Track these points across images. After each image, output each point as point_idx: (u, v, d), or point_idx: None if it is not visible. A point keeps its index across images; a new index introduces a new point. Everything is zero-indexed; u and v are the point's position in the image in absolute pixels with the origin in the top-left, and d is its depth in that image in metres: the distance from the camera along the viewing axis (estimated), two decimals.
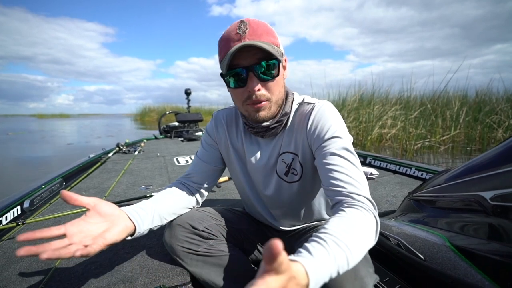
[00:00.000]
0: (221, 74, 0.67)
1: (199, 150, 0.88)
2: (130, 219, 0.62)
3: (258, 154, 0.79)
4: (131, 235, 0.62)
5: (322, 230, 0.48)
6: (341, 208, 0.56)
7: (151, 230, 0.69)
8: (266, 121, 0.71)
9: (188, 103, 5.76)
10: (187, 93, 5.65)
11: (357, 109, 6.10)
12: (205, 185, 0.85)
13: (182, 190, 0.82)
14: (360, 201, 0.56)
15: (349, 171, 0.60)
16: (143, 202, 0.71)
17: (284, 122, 0.74)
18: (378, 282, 0.80)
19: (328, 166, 0.62)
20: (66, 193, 0.51)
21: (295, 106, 0.75)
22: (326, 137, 0.65)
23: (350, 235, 0.47)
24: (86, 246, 0.48)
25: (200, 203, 0.88)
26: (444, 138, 5.11)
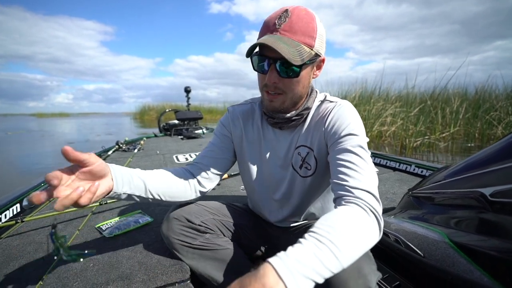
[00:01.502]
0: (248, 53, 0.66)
1: (212, 139, 0.87)
2: (112, 178, 0.62)
3: (276, 146, 0.80)
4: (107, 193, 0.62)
5: (308, 231, 0.48)
6: (337, 205, 0.57)
7: (130, 196, 0.68)
8: (282, 112, 0.72)
9: (187, 101, 5.74)
10: (187, 91, 5.63)
11: (357, 106, 6.10)
12: (212, 173, 0.82)
13: (183, 175, 0.79)
14: (358, 197, 0.55)
15: (358, 167, 0.60)
16: (137, 169, 0.73)
17: (305, 117, 0.75)
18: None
19: (339, 161, 0.63)
20: (68, 148, 0.53)
21: (317, 103, 0.76)
22: (343, 134, 0.66)
23: (334, 230, 0.47)
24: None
25: (206, 191, 0.83)
26: (443, 135, 5.10)
